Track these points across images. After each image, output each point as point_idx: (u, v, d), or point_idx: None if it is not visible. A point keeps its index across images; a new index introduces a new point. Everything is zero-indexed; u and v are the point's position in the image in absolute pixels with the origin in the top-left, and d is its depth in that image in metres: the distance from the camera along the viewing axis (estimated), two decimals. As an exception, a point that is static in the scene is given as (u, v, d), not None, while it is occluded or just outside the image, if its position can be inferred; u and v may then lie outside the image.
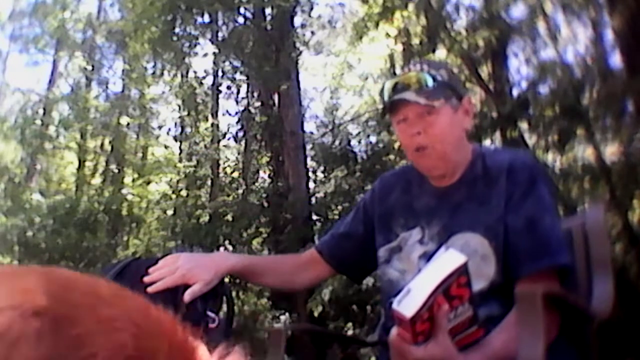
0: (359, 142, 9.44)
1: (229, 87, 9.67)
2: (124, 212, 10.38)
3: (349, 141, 9.40)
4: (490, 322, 1.23)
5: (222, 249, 8.43)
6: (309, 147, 9.16)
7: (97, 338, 0.69)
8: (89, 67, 11.94)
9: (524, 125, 7.05)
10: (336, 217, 7.63)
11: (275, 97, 9.00)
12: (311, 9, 9.01)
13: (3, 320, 0.68)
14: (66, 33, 11.88)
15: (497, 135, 7.07)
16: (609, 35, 6.58)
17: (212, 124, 9.96)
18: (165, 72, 10.54)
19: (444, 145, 1.41)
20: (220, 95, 10.07)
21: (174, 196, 10.04)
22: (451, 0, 7.80)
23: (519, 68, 7.87)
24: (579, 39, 7.24)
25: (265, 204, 8.49)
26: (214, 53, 9.17)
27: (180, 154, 11.25)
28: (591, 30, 7.02)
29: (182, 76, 10.32)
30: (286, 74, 8.49)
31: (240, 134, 9.63)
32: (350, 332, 7.44)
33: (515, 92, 7.67)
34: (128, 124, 11.75)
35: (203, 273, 1.39)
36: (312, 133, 10.11)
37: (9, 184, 10.39)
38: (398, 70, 9.06)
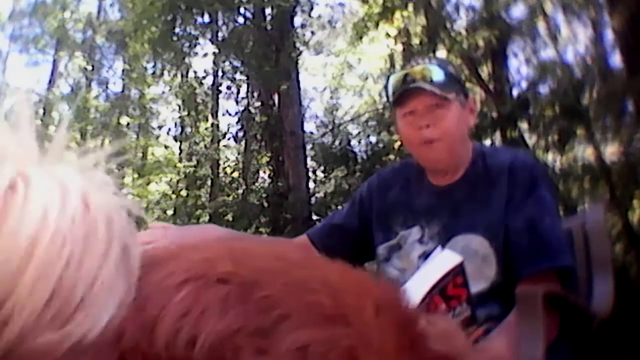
0: (359, 142, 9.44)
1: (229, 87, 9.67)
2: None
3: (349, 141, 9.40)
4: (490, 322, 1.23)
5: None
6: (309, 147, 9.15)
7: (288, 300, 0.66)
8: (89, 67, 11.94)
9: (524, 125, 7.05)
10: (336, 217, 7.63)
11: (275, 97, 9.00)
12: (311, 9, 9.01)
13: (188, 292, 0.65)
14: (66, 33, 11.88)
15: (497, 135, 7.07)
16: (609, 35, 6.57)
17: (212, 124, 9.95)
18: (165, 72, 10.53)
19: (452, 139, 1.40)
20: (220, 95, 10.07)
21: (174, 196, 10.04)
22: (451, 0, 7.81)
23: (519, 68, 7.87)
24: (579, 39, 7.24)
25: (265, 204, 8.49)
26: (214, 53, 9.16)
27: (180, 154, 11.25)
28: (591, 30, 7.02)
29: (182, 76, 10.32)
30: (286, 74, 8.49)
31: (240, 134, 9.63)
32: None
33: (515, 92, 7.67)
34: (128, 124, 11.74)
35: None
36: (312, 133, 10.11)
37: (9, 184, 10.37)
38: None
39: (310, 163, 9.04)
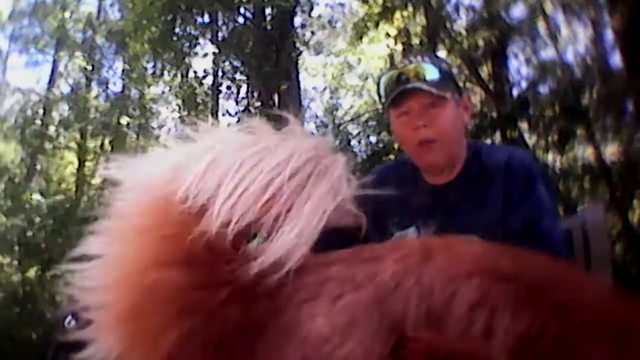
0: (359, 142, 9.43)
1: (229, 87, 9.66)
2: (124, 212, 10.36)
3: (349, 141, 9.39)
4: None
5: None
6: (309, 147, 9.15)
7: (584, 309, 0.61)
8: (89, 67, 11.92)
9: (524, 125, 7.05)
10: (336, 217, 7.62)
11: (275, 97, 9.00)
12: (311, 9, 9.01)
13: (477, 284, 0.62)
14: (66, 33, 11.87)
15: (497, 135, 7.07)
16: (609, 35, 6.58)
17: (212, 124, 9.94)
18: (165, 72, 10.52)
19: (449, 138, 1.38)
20: (220, 95, 10.06)
21: (174, 196, 10.04)
22: (451, 0, 7.81)
23: (519, 68, 7.87)
24: (579, 39, 7.24)
25: (265, 204, 8.50)
26: (214, 53, 9.16)
27: (180, 154, 11.24)
28: (591, 30, 7.02)
29: (182, 76, 10.31)
30: (286, 74, 8.49)
31: (241, 134, 9.63)
32: (350, 332, 7.43)
33: (515, 92, 7.68)
34: (128, 124, 11.73)
35: None
36: (312, 133, 10.10)
37: (9, 184, 10.37)
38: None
39: (310, 163, 9.04)
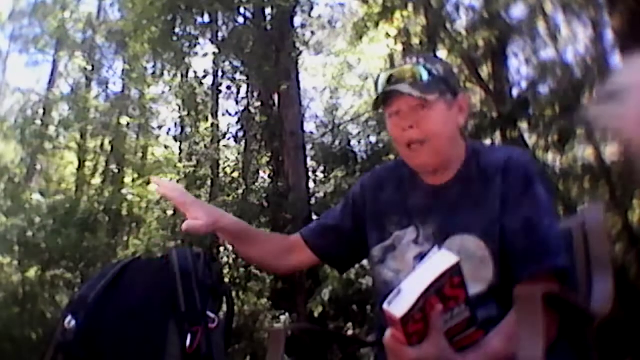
0: (359, 142, 9.45)
1: (229, 87, 9.67)
2: (124, 212, 10.37)
3: (349, 141, 9.40)
4: (489, 324, 1.22)
5: (222, 249, 8.43)
6: (309, 147, 9.16)
7: None
8: (89, 67, 11.92)
9: (524, 125, 7.05)
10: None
11: (275, 97, 9.00)
12: (311, 9, 9.01)
13: None
14: (66, 33, 11.86)
15: (497, 135, 7.07)
16: (609, 35, 6.58)
17: (212, 124, 9.95)
18: (165, 72, 10.52)
19: (437, 140, 1.38)
20: (220, 95, 10.07)
21: (174, 196, 10.02)
22: (451, 0, 7.81)
23: (519, 68, 7.88)
24: (579, 39, 7.25)
25: (265, 204, 8.50)
26: (214, 53, 9.16)
27: (180, 154, 11.24)
28: (591, 30, 7.02)
29: (182, 76, 10.31)
30: (286, 74, 8.49)
31: (240, 134, 9.63)
32: (350, 332, 7.44)
33: (515, 92, 7.68)
34: (128, 124, 11.73)
35: (203, 212, 1.46)
36: (312, 133, 10.12)
37: (9, 184, 10.37)
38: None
39: (310, 163, 9.04)
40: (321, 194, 8.85)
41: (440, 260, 1.09)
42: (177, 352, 1.26)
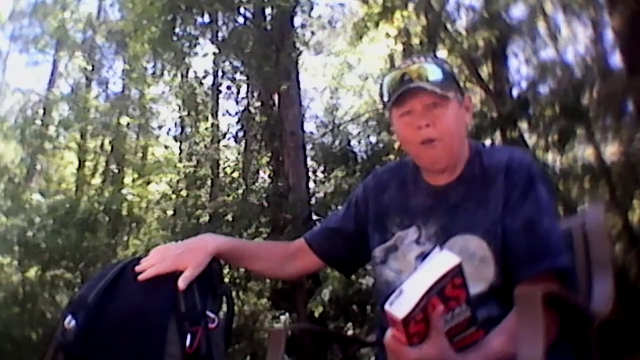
0: (359, 142, 9.44)
1: (229, 87, 9.67)
2: (124, 212, 10.38)
3: (349, 141, 9.40)
4: (489, 323, 1.22)
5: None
6: (309, 147, 9.16)
7: None
8: (89, 67, 11.93)
9: (524, 125, 7.06)
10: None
11: (275, 97, 9.00)
12: (311, 9, 9.01)
13: None
14: (66, 33, 11.87)
15: (497, 135, 7.07)
16: (609, 35, 6.58)
17: (212, 124, 9.96)
18: (165, 72, 10.53)
19: (451, 138, 1.38)
20: (220, 95, 10.07)
21: (174, 196, 10.04)
22: (451, 0, 7.81)
23: (519, 68, 7.89)
24: (579, 39, 7.25)
25: (265, 204, 8.49)
26: (214, 53, 9.17)
27: (180, 154, 11.25)
28: (591, 30, 7.03)
29: (182, 76, 10.32)
30: (286, 74, 8.49)
31: (240, 134, 9.64)
32: (350, 332, 7.44)
33: (515, 92, 7.68)
34: (128, 124, 11.74)
35: (192, 256, 1.39)
36: (312, 133, 10.11)
37: (9, 184, 10.38)
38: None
39: (310, 163, 9.04)
40: (321, 194, 8.85)
41: (442, 261, 1.09)
42: (177, 352, 1.26)
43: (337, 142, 9.35)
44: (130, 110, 11.44)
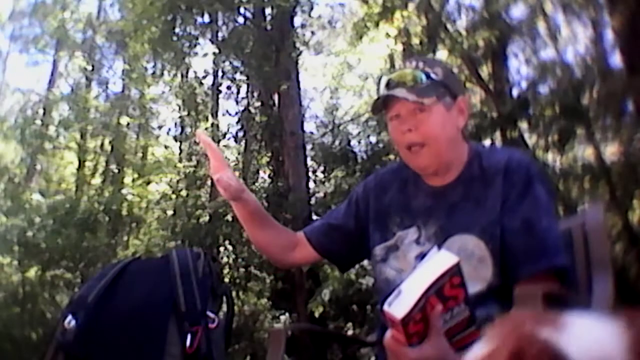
0: (359, 142, 9.44)
1: (229, 87, 9.67)
2: (124, 212, 10.37)
3: (349, 141, 9.40)
4: (489, 323, 1.23)
5: (222, 249, 8.43)
6: (309, 147, 9.15)
7: None
8: (89, 67, 11.93)
9: (524, 125, 7.06)
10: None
11: (275, 97, 9.00)
12: (311, 9, 9.01)
13: None
14: (66, 33, 11.86)
15: (497, 135, 7.07)
16: (609, 35, 6.59)
17: (212, 124, 9.95)
18: (165, 72, 10.52)
19: (436, 143, 1.40)
20: (220, 95, 10.06)
21: (174, 196, 10.03)
22: (451, 0, 7.81)
23: (519, 68, 7.89)
24: (579, 39, 7.26)
25: (265, 204, 8.49)
26: (214, 53, 9.16)
27: (180, 154, 11.24)
28: (591, 30, 7.03)
29: (182, 76, 10.32)
30: (286, 74, 8.49)
31: (240, 134, 9.63)
32: (350, 332, 7.44)
33: (515, 92, 7.69)
34: (128, 124, 11.74)
35: (235, 178, 1.56)
36: (312, 133, 10.11)
37: (9, 184, 10.37)
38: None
39: (310, 163, 9.04)
40: (321, 194, 8.85)
41: (440, 261, 1.09)
42: (177, 352, 1.27)
43: (337, 142, 9.35)
44: (130, 110, 11.44)
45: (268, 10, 8.85)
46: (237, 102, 9.69)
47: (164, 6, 8.29)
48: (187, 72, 10.16)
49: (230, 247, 8.57)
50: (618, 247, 5.84)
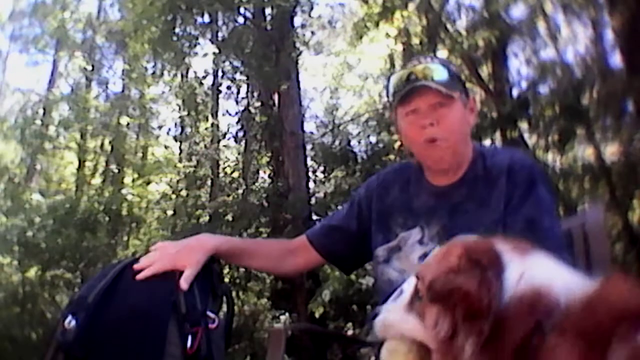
0: (359, 142, 9.43)
1: (229, 87, 9.66)
2: (124, 212, 10.36)
3: (349, 141, 9.39)
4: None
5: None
6: (309, 147, 9.15)
7: None
8: (89, 67, 11.93)
9: (524, 125, 7.05)
10: (336, 217, 7.63)
11: (275, 97, 9.00)
12: (311, 9, 9.00)
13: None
14: (66, 33, 11.86)
15: (497, 135, 7.07)
16: (609, 35, 6.58)
17: (212, 124, 9.95)
18: (165, 72, 10.52)
19: (456, 138, 1.40)
20: (220, 95, 10.06)
21: (174, 196, 10.04)
22: (451, 0, 7.81)
23: (519, 68, 7.88)
24: (579, 39, 7.25)
25: (265, 204, 8.49)
26: (214, 53, 9.16)
27: (180, 154, 11.24)
28: (591, 30, 7.03)
29: (182, 76, 10.32)
30: (286, 74, 8.48)
31: (240, 134, 9.63)
32: (350, 332, 7.43)
33: (515, 92, 7.68)
34: (128, 124, 11.74)
35: (190, 255, 1.39)
36: (312, 133, 10.10)
37: (9, 184, 10.37)
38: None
39: (310, 163, 9.03)
40: (321, 194, 8.84)
41: None
42: (177, 353, 1.26)
43: (337, 142, 9.34)
44: (130, 110, 11.44)
45: (268, 10, 8.85)
46: (237, 102, 9.69)
47: (164, 6, 8.29)
48: (187, 72, 10.16)
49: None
50: (618, 247, 5.83)
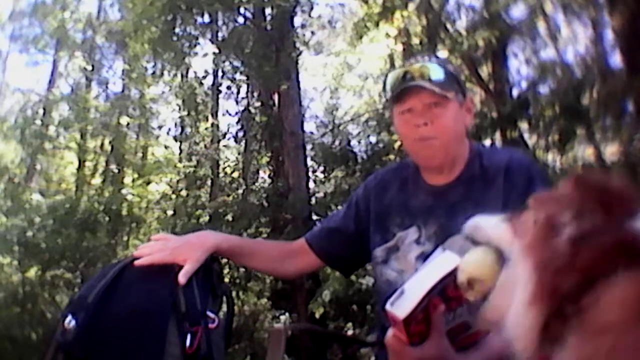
0: (359, 142, 9.43)
1: (229, 87, 9.66)
2: (124, 212, 10.37)
3: (349, 141, 9.39)
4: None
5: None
6: (309, 147, 9.15)
7: None
8: (89, 67, 11.93)
9: (524, 125, 7.06)
10: (336, 217, 7.63)
11: (275, 97, 9.00)
12: (311, 9, 9.01)
13: None
14: (66, 33, 11.87)
15: (497, 135, 7.07)
16: (609, 35, 6.58)
17: (212, 124, 9.95)
18: (165, 72, 10.52)
19: (449, 137, 1.40)
20: (220, 95, 10.06)
21: (174, 196, 10.04)
22: (451, 0, 7.81)
23: (519, 68, 7.88)
24: (579, 39, 7.25)
25: (265, 204, 8.49)
26: (214, 53, 9.16)
27: (180, 154, 11.24)
28: (591, 30, 7.03)
29: (182, 76, 10.32)
30: (286, 74, 8.48)
31: (240, 134, 9.63)
32: (350, 332, 7.43)
33: (515, 92, 7.68)
34: (128, 124, 11.74)
35: (191, 251, 1.39)
36: (312, 133, 10.11)
37: (9, 184, 10.37)
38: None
39: (310, 163, 9.03)
40: (321, 194, 8.84)
41: (444, 262, 1.09)
42: (177, 352, 1.26)
43: (337, 142, 9.35)
44: (130, 110, 11.44)
45: (268, 10, 8.85)
46: (237, 102, 9.69)
47: (164, 6, 8.29)
48: (187, 72, 10.16)
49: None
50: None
